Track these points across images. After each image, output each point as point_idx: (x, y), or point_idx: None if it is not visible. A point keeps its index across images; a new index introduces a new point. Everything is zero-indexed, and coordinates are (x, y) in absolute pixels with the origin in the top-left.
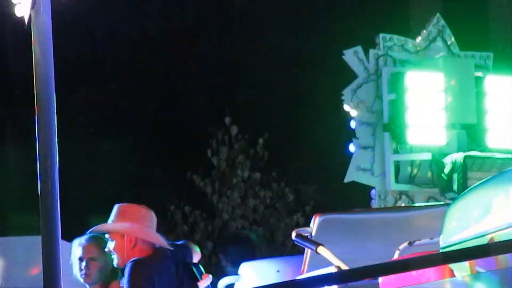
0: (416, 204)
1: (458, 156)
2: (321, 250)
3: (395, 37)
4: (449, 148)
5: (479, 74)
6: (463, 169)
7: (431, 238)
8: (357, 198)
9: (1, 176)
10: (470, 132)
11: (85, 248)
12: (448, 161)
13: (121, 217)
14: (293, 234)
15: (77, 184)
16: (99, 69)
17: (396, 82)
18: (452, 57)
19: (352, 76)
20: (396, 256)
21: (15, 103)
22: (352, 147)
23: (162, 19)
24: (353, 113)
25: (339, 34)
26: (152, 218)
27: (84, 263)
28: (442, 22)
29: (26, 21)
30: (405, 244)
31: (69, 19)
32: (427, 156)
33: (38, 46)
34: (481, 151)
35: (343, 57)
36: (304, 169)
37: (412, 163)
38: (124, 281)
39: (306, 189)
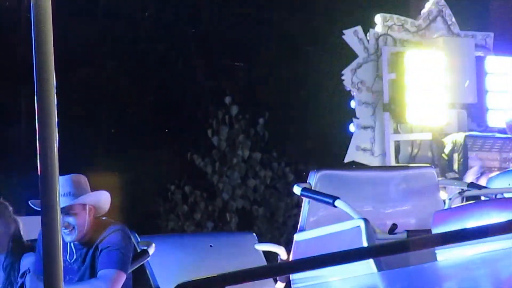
0: (406, 164)
1: (459, 136)
2: (339, 203)
3: (395, 16)
4: (450, 128)
5: (480, 54)
6: (464, 149)
7: (479, 189)
8: None
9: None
10: (470, 112)
11: None
12: (448, 141)
13: (81, 189)
14: (298, 189)
15: (76, 163)
16: (99, 48)
17: (396, 62)
18: (452, 37)
19: (353, 56)
20: (447, 205)
21: (17, 83)
22: (352, 127)
23: None
24: (353, 93)
25: (339, 14)
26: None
27: None
28: (442, 1)
29: None
30: (456, 193)
31: None
32: (428, 136)
33: (38, 26)
34: (482, 131)
35: (343, 37)
36: (305, 149)
37: (412, 143)
38: (112, 247)
39: (307, 169)
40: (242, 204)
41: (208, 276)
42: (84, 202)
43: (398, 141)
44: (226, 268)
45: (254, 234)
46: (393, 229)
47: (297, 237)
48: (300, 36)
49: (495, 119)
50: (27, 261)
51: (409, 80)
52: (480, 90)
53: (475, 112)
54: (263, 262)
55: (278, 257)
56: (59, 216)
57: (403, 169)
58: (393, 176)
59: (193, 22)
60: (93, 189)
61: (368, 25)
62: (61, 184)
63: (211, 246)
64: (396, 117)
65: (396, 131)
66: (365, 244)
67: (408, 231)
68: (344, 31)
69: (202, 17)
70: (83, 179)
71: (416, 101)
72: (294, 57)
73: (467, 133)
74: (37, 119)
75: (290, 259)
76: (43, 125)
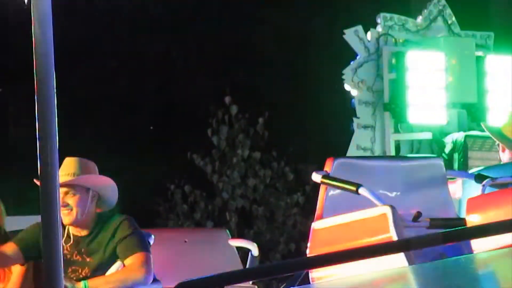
0: (418, 155)
1: (459, 136)
2: (362, 191)
3: (395, 16)
4: (450, 127)
5: (480, 53)
6: (464, 148)
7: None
8: None
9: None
10: (470, 112)
11: None
12: (448, 140)
13: (86, 172)
14: (318, 177)
15: None
16: (99, 48)
17: (396, 62)
18: (453, 37)
19: (353, 55)
20: (479, 192)
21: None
22: (352, 127)
23: None
24: (354, 92)
25: (340, 13)
26: None
27: None
28: (443, 1)
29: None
30: (488, 180)
31: None
32: (428, 135)
33: (38, 25)
34: (482, 130)
35: (344, 36)
36: (304, 148)
37: (412, 142)
38: (129, 234)
39: (306, 168)
40: (242, 203)
41: (209, 276)
42: (85, 183)
43: (399, 141)
44: (201, 262)
45: (227, 230)
46: (417, 216)
47: (315, 225)
48: (300, 35)
49: (495, 119)
50: None
51: (410, 80)
52: (481, 90)
53: (475, 112)
54: (236, 257)
55: (250, 252)
56: (59, 217)
57: (413, 159)
58: (404, 165)
59: (193, 21)
60: None
61: (368, 24)
62: (67, 164)
63: (185, 241)
64: (396, 117)
65: (397, 131)
66: (392, 232)
67: (431, 219)
68: (345, 31)
69: (202, 16)
70: (91, 164)
71: (417, 100)
72: (294, 56)
73: (467, 133)
74: (37, 118)
75: (308, 249)
76: (43, 124)
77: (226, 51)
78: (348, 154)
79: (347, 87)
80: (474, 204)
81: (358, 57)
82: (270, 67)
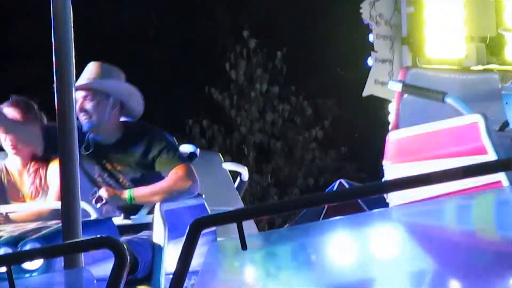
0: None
1: (477, 69)
2: (449, 99)
3: None
4: (468, 61)
5: None
6: None
7: None
8: (375, 111)
9: None
10: (489, 45)
11: (15, 112)
12: None
13: (107, 76)
14: (398, 85)
15: None
16: None
17: None
18: None
19: None
20: None
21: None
22: (370, 61)
23: None
24: (372, 26)
25: None
26: None
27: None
28: None
29: None
30: None
31: None
32: None
33: None
34: (500, 64)
35: None
36: (323, 83)
37: None
38: (166, 143)
39: (325, 103)
40: (260, 138)
41: (227, 211)
42: (103, 88)
43: None
44: None
45: (219, 153)
46: (505, 126)
47: (391, 135)
48: None
49: None
50: (55, 169)
51: (428, 14)
52: (499, 24)
53: (493, 46)
54: (230, 181)
55: (240, 176)
56: (77, 169)
57: (472, 73)
58: (464, 78)
59: None
60: None
61: None
62: (88, 68)
63: None
64: (414, 51)
65: (415, 65)
66: (485, 141)
67: None
68: None
69: None
70: (115, 70)
71: (435, 34)
72: None
73: (486, 66)
74: (54, 53)
75: (384, 160)
76: (60, 58)
77: None
78: (366, 88)
79: (365, 21)
80: None
81: None
82: (288, 0)
